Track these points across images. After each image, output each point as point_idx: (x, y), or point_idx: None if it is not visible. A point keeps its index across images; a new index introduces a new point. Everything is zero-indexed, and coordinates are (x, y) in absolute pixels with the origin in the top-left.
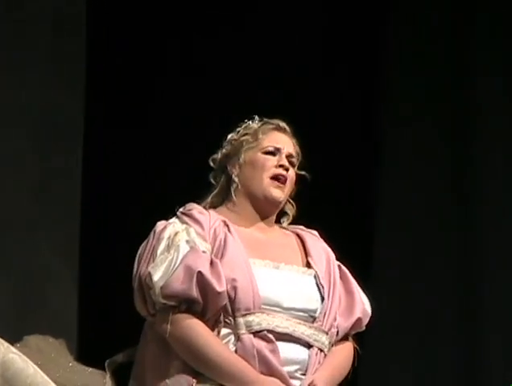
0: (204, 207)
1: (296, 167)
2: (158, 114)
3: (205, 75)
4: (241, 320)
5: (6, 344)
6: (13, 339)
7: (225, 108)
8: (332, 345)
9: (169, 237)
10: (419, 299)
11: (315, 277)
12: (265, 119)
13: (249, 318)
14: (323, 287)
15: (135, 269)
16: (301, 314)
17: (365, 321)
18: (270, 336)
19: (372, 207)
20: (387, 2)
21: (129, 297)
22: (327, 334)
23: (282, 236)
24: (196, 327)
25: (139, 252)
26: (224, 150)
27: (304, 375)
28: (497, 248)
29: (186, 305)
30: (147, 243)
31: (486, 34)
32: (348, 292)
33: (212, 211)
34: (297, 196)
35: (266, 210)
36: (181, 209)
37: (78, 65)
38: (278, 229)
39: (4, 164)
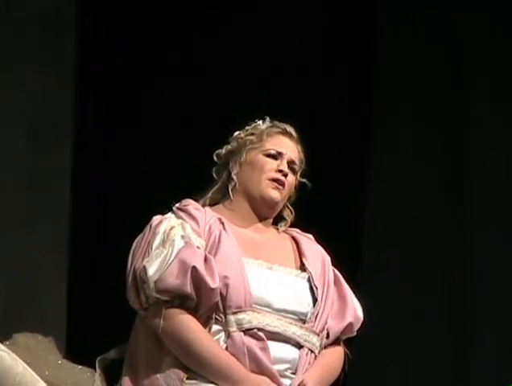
0: (204, 204)
1: (299, 174)
2: (155, 114)
3: (205, 75)
4: (231, 317)
5: None
6: (2, 337)
7: (225, 108)
8: (322, 348)
9: (164, 232)
10: (410, 300)
11: (308, 280)
12: (275, 122)
13: (240, 315)
14: (316, 288)
15: (130, 263)
16: (291, 316)
17: (357, 326)
18: (261, 334)
19: (365, 208)
20: (387, 2)
21: (118, 296)
22: (318, 335)
23: (277, 238)
24: (187, 323)
25: (134, 245)
26: (229, 147)
27: (294, 374)
28: (490, 248)
29: (179, 300)
30: (143, 237)
31: (486, 34)
32: (341, 297)
33: (208, 209)
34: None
35: (262, 210)
36: (177, 204)
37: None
38: (273, 231)
39: None
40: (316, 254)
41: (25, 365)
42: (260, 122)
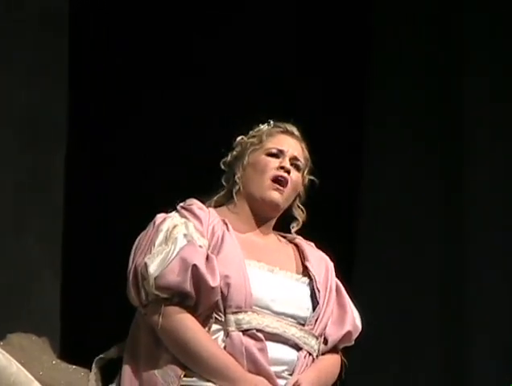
0: (209, 206)
1: (305, 172)
2: (155, 114)
3: (205, 75)
4: (231, 317)
5: None
6: None
7: (225, 108)
8: (320, 352)
9: (167, 230)
10: (409, 300)
11: (308, 285)
12: (277, 123)
13: (240, 315)
14: (319, 291)
15: (131, 259)
16: (290, 319)
17: (355, 335)
18: (260, 335)
19: (364, 208)
20: (387, 2)
21: (112, 296)
22: (317, 338)
23: (279, 243)
24: (186, 321)
25: (136, 242)
26: (234, 152)
27: (291, 375)
28: (489, 248)
29: (178, 298)
30: (145, 234)
31: (486, 34)
32: (341, 305)
33: (211, 210)
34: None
35: (264, 213)
36: (181, 204)
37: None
38: (274, 236)
39: None
40: (320, 259)
41: (19, 365)
42: (263, 125)
